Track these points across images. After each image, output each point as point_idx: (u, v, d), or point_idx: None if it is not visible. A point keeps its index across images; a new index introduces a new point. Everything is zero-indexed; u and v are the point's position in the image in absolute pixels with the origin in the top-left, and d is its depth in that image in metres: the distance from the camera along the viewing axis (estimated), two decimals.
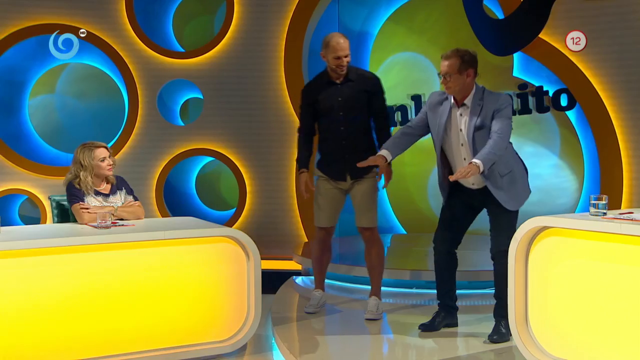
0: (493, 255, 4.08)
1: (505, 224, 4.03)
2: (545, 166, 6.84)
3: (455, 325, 4.35)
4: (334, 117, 4.54)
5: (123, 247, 3.76)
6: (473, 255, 5.30)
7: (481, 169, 3.83)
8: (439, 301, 4.35)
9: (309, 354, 4.02)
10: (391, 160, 4.23)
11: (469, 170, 3.80)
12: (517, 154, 4.19)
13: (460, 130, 4.06)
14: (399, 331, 4.41)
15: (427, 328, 4.29)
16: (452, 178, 3.90)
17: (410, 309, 4.92)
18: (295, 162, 4.81)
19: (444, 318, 4.32)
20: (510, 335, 3.85)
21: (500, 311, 4.04)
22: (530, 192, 4.18)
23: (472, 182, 4.10)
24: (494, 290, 4.16)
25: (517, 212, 4.11)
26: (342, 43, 4.46)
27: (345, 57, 4.47)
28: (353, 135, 4.54)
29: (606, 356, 3.27)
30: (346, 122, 4.52)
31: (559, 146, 6.83)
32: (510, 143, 4.08)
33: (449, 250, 4.28)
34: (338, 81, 4.55)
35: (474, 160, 3.84)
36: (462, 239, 4.30)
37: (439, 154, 4.16)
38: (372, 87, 4.58)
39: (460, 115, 4.06)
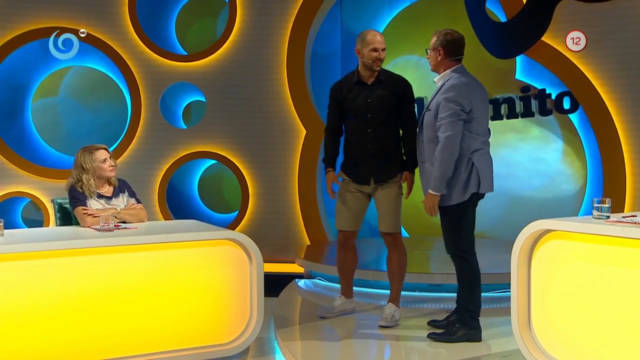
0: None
1: (445, 223, 4.09)
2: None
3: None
4: (361, 119, 4.44)
5: (125, 250, 3.76)
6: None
7: (437, 195, 3.95)
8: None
9: (311, 357, 4.01)
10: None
11: (430, 203, 4.00)
12: (469, 148, 3.98)
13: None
14: (403, 334, 4.39)
15: (438, 325, 4.31)
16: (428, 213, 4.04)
17: (412, 311, 4.91)
18: (322, 162, 4.73)
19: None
20: (455, 341, 3.98)
21: (460, 314, 4.09)
22: (468, 195, 3.97)
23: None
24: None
25: (458, 211, 4.01)
26: (379, 37, 4.43)
27: (382, 50, 4.42)
28: (380, 138, 4.43)
29: None
30: (374, 125, 4.42)
31: (562, 149, 6.82)
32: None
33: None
34: (369, 82, 4.47)
35: (428, 190, 3.98)
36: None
37: None
38: (403, 91, 4.48)
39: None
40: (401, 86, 4.49)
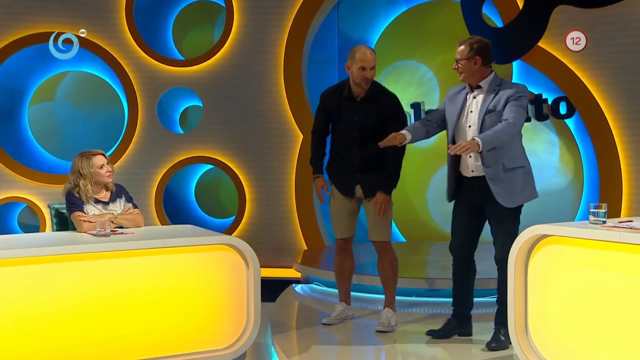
0: (496, 261, 4.08)
1: (505, 227, 4.00)
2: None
3: (470, 334, 4.27)
4: (348, 136, 4.44)
5: (122, 255, 3.75)
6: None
7: (480, 148, 3.84)
8: (453, 308, 4.32)
9: None
10: (409, 142, 4.16)
11: (468, 145, 3.82)
12: (525, 153, 4.16)
13: (471, 111, 4.08)
14: (401, 340, 4.39)
15: (436, 335, 4.28)
16: (451, 150, 3.87)
17: (409, 316, 4.90)
18: (309, 164, 4.69)
19: (455, 326, 4.28)
20: (509, 343, 3.84)
21: (501, 318, 4.02)
22: (533, 197, 4.10)
23: (471, 169, 4.09)
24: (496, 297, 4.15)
25: (516, 214, 4.06)
26: (368, 55, 4.36)
27: (371, 69, 4.35)
28: (366, 156, 4.42)
29: None
30: (360, 143, 4.41)
31: (558, 154, 6.84)
32: (521, 144, 4.10)
33: (464, 257, 4.22)
34: (358, 98, 4.43)
35: (475, 137, 3.87)
36: (478, 244, 4.25)
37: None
38: (390, 110, 4.43)
39: (474, 97, 4.10)
40: (386, 105, 4.43)
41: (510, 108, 3.96)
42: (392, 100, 4.48)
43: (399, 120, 4.46)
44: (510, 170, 3.99)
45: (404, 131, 4.16)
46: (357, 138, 4.43)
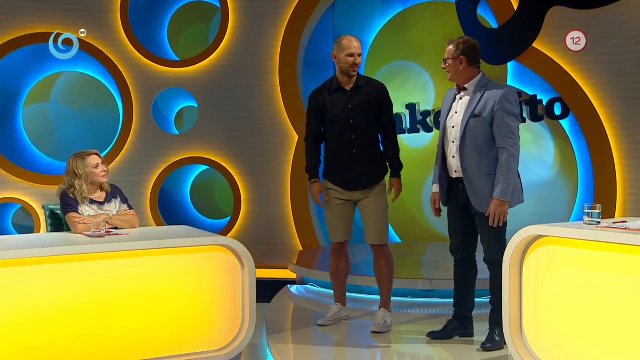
0: (485, 262, 4.10)
1: (488, 228, 4.00)
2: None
3: (470, 335, 4.27)
4: (343, 125, 4.45)
5: (117, 256, 3.74)
6: None
7: (507, 202, 3.91)
8: (454, 309, 4.33)
9: None
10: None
11: (499, 210, 3.90)
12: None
13: (456, 112, 4.10)
14: (396, 340, 4.40)
15: (437, 336, 4.28)
16: (492, 223, 3.93)
17: (404, 317, 4.91)
18: (305, 171, 4.67)
19: (456, 327, 4.28)
20: (504, 343, 3.84)
21: (495, 318, 4.03)
22: (516, 204, 4.05)
23: (454, 169, 4.11)
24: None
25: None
26: (354, 42, 4.46)
27: (358, 56, 4.44)
28: (363, 144, 4.45)
29: None
30: (356, 130, 4.44)
31: (553, 155, 6.85)
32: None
33: (465, 258, 4.22)
34: (348, 87, 4.49)
35: (494, 196, 3.91)
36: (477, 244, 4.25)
37: (440, 149, 4.18)
38: (382, 96, 4.52)
39: (460, 99, 4.11)
40: (380, 91, 4.53)
41: (501, 132, 3.96)
42: (382, 87, 4.57)
43: (390, 108, 4.57)
44: (487, 176, 3.99)
45: (435, 187, 4.25)
46: (353, 126, 4.44)
